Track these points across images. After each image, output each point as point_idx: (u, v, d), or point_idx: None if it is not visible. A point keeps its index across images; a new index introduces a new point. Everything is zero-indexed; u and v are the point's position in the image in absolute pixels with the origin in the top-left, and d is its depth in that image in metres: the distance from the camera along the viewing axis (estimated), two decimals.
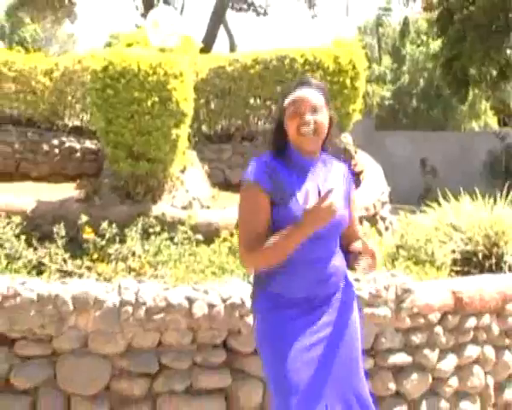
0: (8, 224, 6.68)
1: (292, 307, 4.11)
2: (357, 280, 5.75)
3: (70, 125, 8.65)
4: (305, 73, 7.93)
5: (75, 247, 6.50)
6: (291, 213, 3.97)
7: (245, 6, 30.52)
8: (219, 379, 5.56)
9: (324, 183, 4.11)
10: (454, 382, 6.16)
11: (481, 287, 6.32)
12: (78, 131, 8.56)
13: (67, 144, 8.52)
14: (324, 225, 3.83)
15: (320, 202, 3.78)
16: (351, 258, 4.18)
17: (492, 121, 34.00)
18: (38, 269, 6.25)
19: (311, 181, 4.09)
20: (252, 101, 8.40)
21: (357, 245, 4.13)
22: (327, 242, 4.08)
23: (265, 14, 31.12)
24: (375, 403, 5.66)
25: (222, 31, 29.62)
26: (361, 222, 7.40)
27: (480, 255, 6.89)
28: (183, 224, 6.77)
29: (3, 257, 6.38)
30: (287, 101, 4.07)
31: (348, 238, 4.26)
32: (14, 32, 33.79)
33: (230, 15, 30.48)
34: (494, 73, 26.04)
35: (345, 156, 4.33)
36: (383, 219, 8.11)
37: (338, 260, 4.20)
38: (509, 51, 25.50)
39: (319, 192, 4.02)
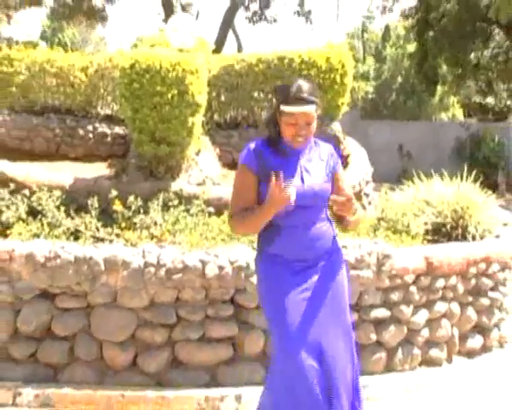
0: (49, 197, 6.70)
1: (286, 265, 4.21)
2: (344, 247, 5.79)
3: (102, 113, 8.65)
4: (301, 72, 7.90)
5: (106, 217, 6.52)
6: None
7: (257, 17, 30.24)
8: (227, 329, 5.61)
9: (308, 162, 4.21)
10: (425, 333, 6.21)
11: (449, 253, 6.36)
12: (108, 119, 8.57)
13: (100, 130, 8.52)
14: (281, 209, 3.94)
15: (276, 190, 3.86)
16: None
17: (459, 113, 34.06)
18: (75, 235, 6.28)
19: (294, 162, 4.18)
20: (256, 94, 8.40)
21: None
22: (313, 210, 4.17)
23: (275, 21, 30.80)
24: (357, 351, 5.75)
25: (231, 35, 29.49)
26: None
27: (448, 226, 6.92)
28: (197, 198, 6.80)
29: (46, 225, 6.41)
30: (286, 109, 4.09)
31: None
32: (55, 34, 33.68)
33: (238, 22, 30.25)
34: (459, 72, 26.08)
35: (335, 142, 4.36)
36: (367, 195, 8.12)
37: (325, 226, 4.26)
38: (472, 55, 25.50)
39: (301, 169, 4.16)
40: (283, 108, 4.10)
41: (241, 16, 30.04)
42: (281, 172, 3.90)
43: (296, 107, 4.06)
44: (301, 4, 29.78)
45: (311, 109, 4.09)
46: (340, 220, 4.27)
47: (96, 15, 30.64)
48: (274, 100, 4.32)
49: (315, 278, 4.22)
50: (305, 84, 4.13)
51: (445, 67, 26.60)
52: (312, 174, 4.18)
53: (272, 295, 4.24)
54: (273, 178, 3.86)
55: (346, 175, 4.36)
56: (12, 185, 6.94)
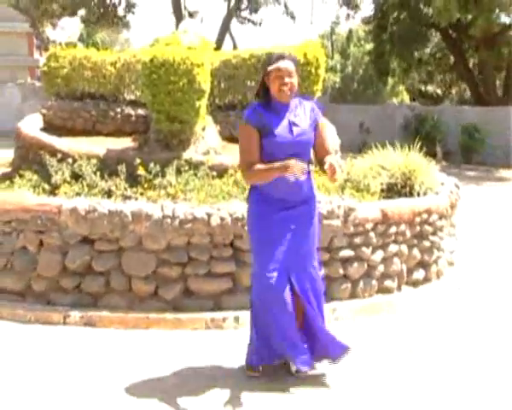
0: (88, 164, 6.69)
1: (271, 204, 4.28)
2: (318, 202, 5.79)
3: (128, 98, 8.58)
4: None
5: (132, 180, 6.52)
6: (272, 142, 4.19)
7: (246, 20, 30.61)
8: (228, 267, 5.64)
9: (294, 117, 4.26)
10: (381, 268, 6.24)
11: (399, 206, 6.37)
12: (133, 103, 8.51)
13: (126, 112, 8.46)
14: (284, 174, 4.01)
15: (286, 165, 3.99)
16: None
17: (406, 98, 34.19)
18: (108, 194, 6.28)
19: (284, 118, 4.23)
20: (248, 83, 8.34)
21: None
22: (298, 158, 4.11)
23: (260, 25, 31.16)
24: (329, 282, 5.79)
25: (227, 36, 29.52)
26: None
27: (399, 186, 6.94)
28: (203, 165, 6.80)
29: (85, 186, 6.41)
30: (271, 67, 4.18)
31: (321, 154, 4.31)
32: (89, 37, 33.41)
33: (233, 25, 30.29)
34: (406, 66, 26.18)
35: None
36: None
37: (306, 176, 4.21)
38: (416, 53, 25.50)
39: (290, 123, 4.21)
40: (269, 68, 4.19)
41: (234, 20, 30.03)
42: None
43: (277, 63, 4.17)
44: (287, 9, 30.07)
45: (290, 64, 4.21)
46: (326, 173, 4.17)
47: (120, 22, 30.60)
48: (262, 73, 4.33)
49: (292, 217, 4.26)
50: (285, 52, 4.30)
51: (395, 63, 26.57)
52: (299, 126, 4.24)
53: (255, 226, 4.37)
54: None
55: (328, 124, 4.36)
56: (59, 155, 6.94)
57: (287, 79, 4.18)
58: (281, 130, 4.20)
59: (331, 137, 4.41)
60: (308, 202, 4.36)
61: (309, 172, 4.32)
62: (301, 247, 4.32)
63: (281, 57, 4.22)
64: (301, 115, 4.30)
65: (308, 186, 4.36)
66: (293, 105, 4.32)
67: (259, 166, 4.18)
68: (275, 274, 4.21)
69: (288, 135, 4.20)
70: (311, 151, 4.41)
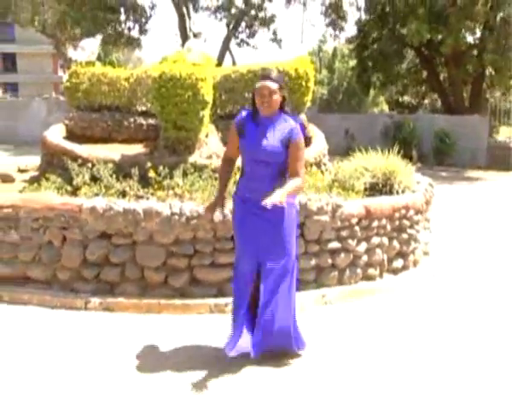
0: (105, 168, 6.65)
1: (244, 203, 4.35)
2: (309, 199, 5.77)
3: (140, 110, 8.53)
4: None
5: (144, 181, 6.48)
6: (244, 144, 4.31)
7: (243, 43, 30.89)
8: (229, 258, 5.53)
9: (270, 131, 4.25)
10: (365, 258, 6.20)
11: (380, 203, 6.33)
12: (144, 114, 8.45)
13: (138, 121, 8.41)
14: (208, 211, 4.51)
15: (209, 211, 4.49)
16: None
17: (385, 108, 34.21)
18: (123, 194, 6.23)
19: (261, 130, 4.25)
20: (246, 94, 8.26)
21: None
22: (266, 165, 4.22)
23: (255, 48, 31.40)
24: (318, 271, 5.74)
25: (227, 53, 29.61)
26: (311, 166, 7.38)
27: (380, 185, 6.90)
28: (206, 168, 6.76)
29: (103, 187, 6.36)
30: (256, 85, 4.26)
31: (289, 170, 4.25)
32: (106, 56, 33.49)
33: (233, 44, 30.33)
34: (384, 80, 26.28)
35: (303, 127, 4.35)
36: (324, 164, 8.05)
37: (275, 179, 4.23)
38: (394, 68, 25.56)
39: (261, 135, 4.23)
40: (255, 85, 4.28)
41: (233, 42, 30.15)
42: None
43: (260, 82, 4.22)
44: (275, 36, 30.09)
45: (269, 84, 4.20)
46: None
47: (133, 43, 30.69)
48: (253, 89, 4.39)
49: (264, 215, 4.18)
50: (270, 71, 4.36)
51: (375, 77, 26.62)
52: (269, 138, 4.23)
53: (236, 223, 4.47)
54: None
55: (301, 149, 4.28)
56: (79, 160, 6.90)
57: (266, 98, 4.19)
58: (252, 138, 4.25)
59: (300, 158, 4.29)
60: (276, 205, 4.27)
61: (281, 176, 4.26)
62: (269, 242, 4.28)
63: (265, 77, 4.25)
64: (276, 131, 4.25)
65: (277, 187, 4.24)
66: (277, 120, 4.27)
67: (221, 173, 4.55)
68: (243, 266, 4.36)
69: (256, 144, 4.22)
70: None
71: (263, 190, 4.12)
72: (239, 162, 4.50)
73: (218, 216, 4.38)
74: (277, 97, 4.22)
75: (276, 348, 4.46)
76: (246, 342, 4.30)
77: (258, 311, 4.32)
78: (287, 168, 4.26)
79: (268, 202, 3.87)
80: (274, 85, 4.20)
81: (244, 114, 4.38)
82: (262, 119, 4.28)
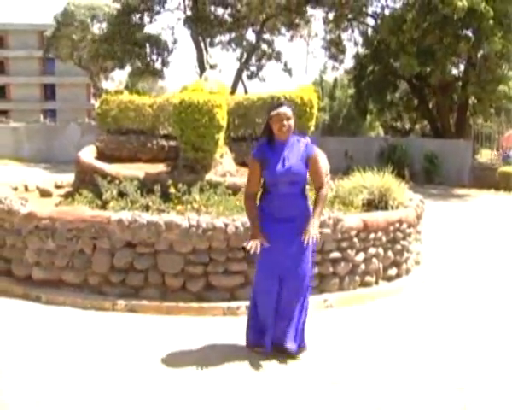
0: (131, 184, 6.64)
1: (270, 219, 4.27)
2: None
3: (162, 133, 8.54)
4: None
5: (165, 197, 6.46)
6: (269, 172, 4.22)
7: (253, 75, 31.18)
8: (241, 266, 5.55)
9: (288, 153, 4.23)
10: (363, 266, 6.13)
11: (377, 217, 6.28)
12: (166, 136, 8.42)
13: (160, 143, 8.40)
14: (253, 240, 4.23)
15: (253, 236, 4.24)
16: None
17: (381, 132, 34.11)
18: (147, 208, 6.22)
19: (281, 154, 4.22)
20: (256, 120, 8.27)
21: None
22: (289, 185, 4.21)
23: (264, 80, 31.69)
24: (320, 279, 5.69)
25: (240, 83, 29.87)
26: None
27: (377, 201, 6.85)
28: (221, 185, 6.72)
29: (129, 202, 6.36)
30: (273, 113, 4.21)
31: (315, 183, 4.35)
32: (133, 85, 33.78)
33: (245, 75, 30.55)
34: (380, 107, 26.30)
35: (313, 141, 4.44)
36: (326, 182, 8.03)
37: (299, 197, 4.28)
38: (388, 96, 25.57)
39: (284, 158, 4.20)
40: (272, 113, 4.21)
41: (245, 73, 30.41)
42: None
43: (277, 109, 4.19)
44: (286, 66, 30.33)
45: (288, 109, 4.21)
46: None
47: (157, 74, 30.94)
48: (266, 117, 4.35)
49: (287, 230, 4.23)
50: (282, 100, 4.31)
51: (371, 104, 26.63)
52: (290, 160, 4.22)
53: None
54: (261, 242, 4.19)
55: (322, 159, 4.34)
56: (108, 178, 6.90)
57: (285, 122, 4.19)
58: (276, 163, 4.21)
59: (321, 168, 4.38)
60: (299, 217, 4.28)
61: (304, 194, 4.35)
62: (290, 252, 4.27)
63: (280, 105, 4.28)
64: (295, 151, 4.26)
65: (300, 205, 4.32)
66: (291, 142, 4.29)
67: (251, 210, 4.33)
68: (266, 273, 4.31)
69: (281, 167, 4.20)
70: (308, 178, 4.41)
71: (288, 206, 4.22)
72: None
73: (259, 246, 4.20)
74: (292, 122, 4.23)
75: (281, 344, 4.42)
76: (263, 338, 4.40)
77: (276, 313, 4.34)
78: (307, 182, 4.36)
79: (310, 241, 4.09)
80: (290, 111, 4.21)
81: (259, 146, 4.32)
82: (278, 144, 4.26)
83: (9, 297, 5.74)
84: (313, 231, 4.15)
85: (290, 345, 4.35)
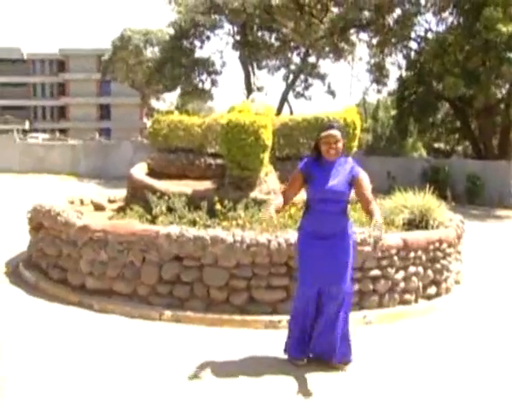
0: (179, 200, 6.73)
1: (311, 235, 4.29)
2: (354, 232, 5.67)
3: (210, 151, 8.61)
4: None
5: (211, 213, 6.51)
6: (314, 189, 4.27)
7: (299, 95, 31.33)
8: (282, 281, 5.55)
9: (334, 173, 4.25)
10: (402, 284, 6.04)
11: (417, 236, 6.20)
12: (213, 155, 8.47)
13: (208, 161, 8.46)
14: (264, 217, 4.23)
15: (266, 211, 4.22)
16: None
17: (423, 153, 33.55)
18: (194, 223, 6.29)
19: (326, 172, 4.24)
20: (301, 140, 8.27)
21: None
22: (332, 203, 4.23)
23: (310, 99, 31.76)
24: (360, 296, 5.63)
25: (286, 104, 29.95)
26: (356, 203, 7.25)
27: (417, 221, 6.76)
28: (265, 202, 6.71)
29: (177, 217, 6.46)
30: (323, 134, 4.24)
31: (362, 203, 4.32)
32: (183, 105, 34.34)
33: (290, 96, 30.74)
34: (421, 128, 25.96)
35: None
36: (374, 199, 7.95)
37: (340, 215, 4.30)
38: (430, 118, 25.19)
39: (328, 177, 4.23)
40: (322, 134, 4.24)
41: (290, 94, 30.54)
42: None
43: (326, 131, 4.21)
44: (329, 88, 30.43)
45: (336, 132, 4.22)
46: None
47: (206, 95, 31.42)
48: (317, 136, 4.38)
49: (328, 246, 4.24)
50: (333, 121, 4.36)
51: (413, 125, 26.32)
52: (335, 179, 4.23)
53: (301, 253, 4.39)
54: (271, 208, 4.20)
55: (366, 179, 4.30)
56: (158, 193, 7.00)
57: (333, 145, 4.22)
58: (320, 181, 4.24)
59: (367, 188, 4.35)
60: (339, 234, 4.29)
61: (345, 213, 4.36)
62: (330, 269, 4.27)
63: (331, 127, 4.28)
64: (340, 172, 4.28)
65: (341, 223, 4.32)
66: (338, 163, 4.30)
67: (275, 201, 4.43)
68: (307, 289, 4.31)
69: (323, 185, 4.22)
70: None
71: (329, 224, 4.23)
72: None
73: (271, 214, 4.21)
74: (341, 145, 4.25)
75: (321, 356, 4.45)
76: (303, 351, 4.44)
77: (316, 326, 4.36)
78: (349, 202, 4.43)
79: (380, 233, 4.04)
80: (339, 134, 4.22)
81: (307, 161, 4.37)
82: (325, 163, 4.29)
83: (65, 304, 5.90)
84: (379, 225, 4.03)
85: (332, 358, 4.35)
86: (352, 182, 4.27)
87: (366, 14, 24.01)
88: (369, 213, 4.20)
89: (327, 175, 4.24)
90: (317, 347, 4.40)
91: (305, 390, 4.04)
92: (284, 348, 4.57)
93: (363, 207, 4.38)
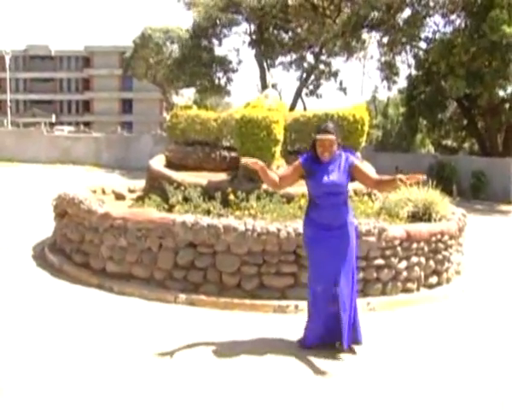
0: (194, 191, 6.80)
1: (317, 227, 4.35)
2: (359, 223, 5.71)
3: (224, 145, 8.63)
4: (338, 122, 7.63)
5: (225, 203, 6.57)
6: (315, 184, 4.33)
7: (310, 93, 31.17)
8: (291, 268, 5.61)
9: (332, 167, 4.31)
10: (405, 274, 6.06)
11: (420, 228, 6.21)
12: (228, 148, 8.47)
13: (223, 154, 8.47)
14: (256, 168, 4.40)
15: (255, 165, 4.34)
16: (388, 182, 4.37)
17: (431, 149, 33.28)
18: (208, 212, 6.34)
19: (324, 168, 4.29)
20: (312, 135, 8.21)
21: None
22: (334, 196, 4.30)
23: (321, 97, 31.56)
24: (364, 284, 5.66)
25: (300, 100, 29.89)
26: (363, 196, 7.29)
27: (421, 213, 6.75)
28: (276, 194, 6.76)
29: (192, 206, 6.52)
30: (317, 137, 4.31)
31: (368, 183, 4.50)
32: (201, 101, 34.37)
33: (304, 93, 30.58)
34: (429, 126, 25.76)
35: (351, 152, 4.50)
36: (374, 194, 7.86)
37: (342, 207, 4.35)
38: (438, 116, 24.97)
39: (327, 172, 4.27)
40: (316, 136, 4.31)
41: (304, 91, 30.39)
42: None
43: (321, 135, 4.27)
44: (341, 85, 30.24)
45: (329, 137, 4.27)
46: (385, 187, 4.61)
47: (222, 91, 31.42)
48: (313, 137, 4.44)
49: (333, 236, 4.29)
50: (328, 124, 4.36)
51: (422, 123, 26.11)
52: (334, 173, 4.29)
53: (308, 244, 4.46)
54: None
55: (365, 165, 4.38)
56: (175, 184, 7.08)
57: (328, 148, 4.28)
58: (320, 176, 4.30)
59: (366, 170, 4.44)
60: (344, 226, 4.34)
61: (346, 204, 4.41)
62: (340, 259, 4.31)
63: (325, 131, 4.31)
64: (337, 165, 4.33)
65: (344, 214, 4.37)
66: (334, 158, 4.34)
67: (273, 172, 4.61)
68: (320, 281, 4.34)
69: (324, 180, 4.27)
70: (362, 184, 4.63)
71: (333, 215, 4.29)
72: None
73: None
74: (335, 147, 4.29)
75: (331, 339, 4.47)
76: (318, 337, 4.47)
77: (329, 314, 4.37)
78: (348, 193, 4.50)
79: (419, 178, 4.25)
80: (333, 137, 4.26)
81: (307, 157, 4.41)
82: (322, 161, 4.34)
83: (86, 286, 6.02)
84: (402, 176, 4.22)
85: (342, 342, 4.37)
86: (350, 170, 4.33)
87: (377, 13, 23.80)
88: (382, 182, 4.38)
89: (326, 170, 4.30)
90: (330, 333, 4.43)
91: (316, 370, 4.10)
92: (302, 340, 4.53)
93: (371, 185, 4.50)
